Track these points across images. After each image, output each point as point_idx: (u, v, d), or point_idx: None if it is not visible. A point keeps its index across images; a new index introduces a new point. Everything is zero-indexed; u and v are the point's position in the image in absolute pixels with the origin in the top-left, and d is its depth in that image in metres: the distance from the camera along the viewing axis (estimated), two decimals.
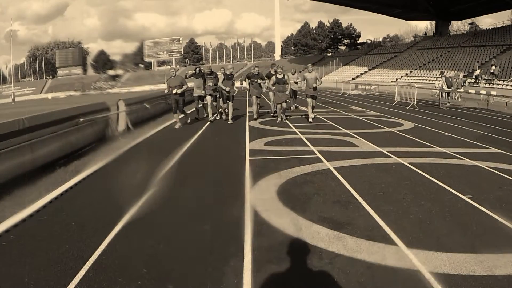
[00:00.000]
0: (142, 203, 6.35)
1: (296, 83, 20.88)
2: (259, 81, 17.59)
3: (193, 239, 5.06)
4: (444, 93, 29.35)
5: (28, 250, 4.73)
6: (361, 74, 68.29)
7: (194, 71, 17.84)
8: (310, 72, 16.62)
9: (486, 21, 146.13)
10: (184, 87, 16.02)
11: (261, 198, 6.67)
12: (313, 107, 17.24)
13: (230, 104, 17.29)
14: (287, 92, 18.45)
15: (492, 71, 39.34)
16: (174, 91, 15.62)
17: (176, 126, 16.02)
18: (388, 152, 10.40)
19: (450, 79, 30.34)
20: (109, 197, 6.88)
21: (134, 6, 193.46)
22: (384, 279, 4.08)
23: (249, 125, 15.98)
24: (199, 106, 18.79)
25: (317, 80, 16.53)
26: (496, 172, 8.48)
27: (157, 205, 6.28)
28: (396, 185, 7.46)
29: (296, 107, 23.01)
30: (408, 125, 16.02)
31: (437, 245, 4.83)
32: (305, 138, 12.76)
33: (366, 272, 4.19)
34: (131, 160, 10.08)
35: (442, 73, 35.05)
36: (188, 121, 17.26)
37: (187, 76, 17.67)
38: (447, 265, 4.32)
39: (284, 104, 16.92)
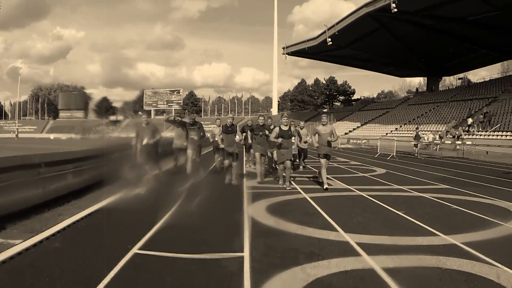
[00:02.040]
0: None
1: (305, 142, 17.86)
2: (266, 133, 14.07)
3: None
4: (415, 144, 31.99)
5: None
6: (354, 129, 70.16)
7: (173, 118, 15.59)
8: (324, 125, 13.11)
9: (481, 74, 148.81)
10: (157, 137, 12.85)
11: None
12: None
13: (234, 164, 13.81)
14: (294, 148, 15.45)
15: (469, 123, 43.10)
16: (144, 141, 12.28)
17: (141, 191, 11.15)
18: (354, 188, 12.71)
19: (419, 134, 33.50)
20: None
21: (136, 55, 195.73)
22: (327, 247, 6.39)
23: (248, 191, 11.98)
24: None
25: (333, 135, 13.01)
26: (435, 199, 10.94)
27: None
28: (352, 206, 9.85)
29: (304, 167, 19.16)
30: (380, 171, 18.37)
31: (364, 231, 7.31)
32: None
33: (318, 243, 6.54)
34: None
35: (417, 128, 38.04)
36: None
37: (167, 120, 16.30)
38: (367, 240, 6.72)
39: (288, 163, 12.98)
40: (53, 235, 6.78)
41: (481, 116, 44.14)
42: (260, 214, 8.74)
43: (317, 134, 13.25)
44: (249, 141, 16.12)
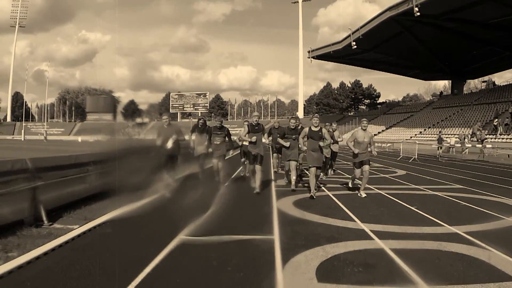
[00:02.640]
0: None
1: (337, 142, 16.83)
2: (296, 138, 12.85)
3: None
4: (439, 147, 32.83)
5: None
6: (379, 132, 70.50)
7: (197, 123, 14.17)
8: (364, 131, 12.01)
9: (507, 76, 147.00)
10: (181, 137, 12.34)
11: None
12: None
13: (258, 167, 12.39)
14: (326, 152, 14.45)
15: (495, 124, 44.28)
16: (168, 143, 11.67)
17: (166, 193, 11.25)
18: (374, 187, 13.48)
19: (441, 138, 34.70)
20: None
21: (160, 58, 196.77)
22: (345, 233, 7.36)
23: (278, 209, 9.68)
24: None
25: (370, 144, 12.13)
26: (447, 197, 11.82)
27: None
28: (370, 202, 10.78)
29: (334, 171, 18.28)
30: (400, 172, 19.29)
31: (378, 222, 8.31)
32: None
33: (337, 230, 7.54)
34: None
35: (440, 131, 38.66)
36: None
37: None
38: (380, 228, 7.70)
39: (316, 170, 11.94)
40: (103, 223, 7.85)
41: (507, 118, 44.58)
42: (287, 207, 9.79)
43: (356, 141, 11.96)
44: (285, 144, 13.52)
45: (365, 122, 12.27)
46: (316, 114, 13.82)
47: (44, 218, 7.61)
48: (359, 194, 11.80)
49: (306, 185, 13.36)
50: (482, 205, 10.53)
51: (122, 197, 9.61)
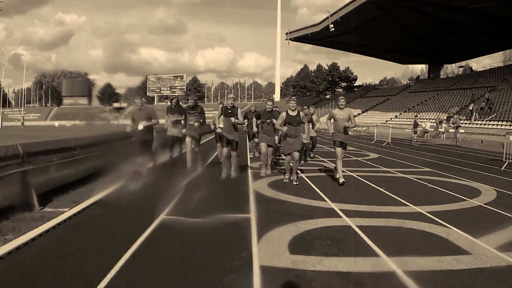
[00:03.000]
0: None
1: (313, 126, 16.45)
2: (272, 122, 12.39)
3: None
4: (414, 132, 33.56)
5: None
6: (354, 116, 70.69)
7: (170, 104, 13.81)
8: (341, 109, 11.59)
9: (485, 61, 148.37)
10: (154, 121, 12.02)
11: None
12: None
13: (233, 153, 12.17)
14: (304, 138, 14.01)
15: (470, 108, 45.12)
16: (140, 126, 11.51)
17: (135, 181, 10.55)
18: (346, 170, 13.74)
19: (417, 122, 35.51)
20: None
21: (138, 40, 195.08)
22: (316, 211, 7.91)
23: (254, 190, 10.21)
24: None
25: (350, 121, 11.58)
26: (415, 180, 12.46)
27: None
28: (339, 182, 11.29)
29: (312, 158, 17.68)
30: (373, 156, 19.86)
31: (347, 201, 8.86)
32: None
33: (309, 209, 8.08)
34: None
35: (416, 116, 39.60)
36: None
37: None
38: (348, 207, 8.25)
39: (296, 155, 11.29)
40: (92, 204, 8.29)
41: (483, 103, 45.54)
42: (263, 189, 10.30)
43: (332, 119, 11.67)
44: (254, 128, 14.58)
45: (342, 100, 11.77)
46: (294, 97, 12.79)
47: (36, 202, 7.94)
48: (340, 181, 11.18)
49: (282, 171, 12.80)
50: (448, 187, 11.15)
51: (106, 180, 10.09)
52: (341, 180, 11.13)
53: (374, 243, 5.99)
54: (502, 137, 18.62)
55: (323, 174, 13.35)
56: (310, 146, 16.96)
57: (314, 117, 16.63)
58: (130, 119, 12.02)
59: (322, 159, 17.67)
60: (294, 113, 11.26)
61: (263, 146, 12.73)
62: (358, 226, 6.89)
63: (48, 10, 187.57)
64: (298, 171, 12.40)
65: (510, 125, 38.15)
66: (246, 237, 6.28)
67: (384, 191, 10.23)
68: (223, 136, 12.02)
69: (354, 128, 12.68)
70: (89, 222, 7.12)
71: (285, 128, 11.04)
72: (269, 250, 5.67)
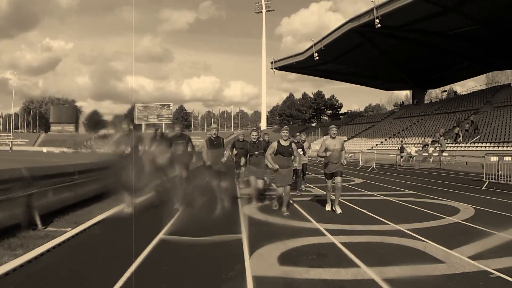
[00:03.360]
0: None
1: (304, 153, 15.29)
2: (260, 154, 11.84)
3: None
4: (400, 156, 34.43)
5: None
6: (321, 144, 70.96)
7: (154, 134, 12.75)
8: (333, 138, 11.16)
9: (470, 84, 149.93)
10: (140, 147, 11.35)
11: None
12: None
13: (224, 185, 11.63)
14: (296, 165, 13.39)
15: (456, 132, 46.33)
16: (126, 150, 10.71)
17: (126, 210, 10.50)
18: (331, 194, 14.33)
19: (403, 147, 36.90)
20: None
21: (124, 68, 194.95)
22: (302, 231, 8.42)
23: (244, 215, 10.40)
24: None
25: (343, 151, 11.24)
26: (397, 201, 13.07)
27: None
28: (326, 206, 11.71)
29: (303, 190, 15.96)
30: (358, 181, 20.38)
31: (332, 222, 9.48)
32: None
33: (296, 229, 8.60)
34: None
35: (401, 141, 40.49)
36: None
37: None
38: (333, 227, 8.80)
39: (288, 188, 10.86)
40: (92, 225, 8.81)
41: (467, 124, 46.85)
42: (252, 212, 10.76)
43: (326, 150, 11.01)
44: (241, 162, 13.20)
45: (334, 129, 11.31)
46: (286, 127, 12.29)
47: (38, 222, 8.46)
48: (333, 208, 10.98)
49: (273, 196, 12.24)
50: (428, 207, 11.75)
51: (103, 203, 10.61)
52: (338, 210, 10.76)
53: (356, 256, 6.53)
54: (482, 158, 19.23)
55: (308, 198, 13.80)
56: (301, 174, 15.67)
57: (306, 144, 15.96)
58: (116, 145, 11.06)
59: (312, 186, 17.35)
60: (286, 143, 10.82)
61: (252, 179, 11.90)
62: (341, 243, 7.44)
63: (35, 35, 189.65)
64: (290, 201, 11.96)
65: (494, 146, 39.22)
66: (239, 253, 6.81)
67: (367, 212, 10.78)
68: (211, 168, 11.34)
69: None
70: (92, 241, 7.61)
71: (275, 166, 10.54)
72: (260, 263, 6.21)
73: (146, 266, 6.04)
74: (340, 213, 10.63)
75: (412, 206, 12.15)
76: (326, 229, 8.64)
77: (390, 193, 15.43)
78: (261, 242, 7.42)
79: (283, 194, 10.94)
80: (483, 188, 16.80)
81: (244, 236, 8.01)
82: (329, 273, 5.80)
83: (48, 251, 6.73)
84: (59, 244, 7.16)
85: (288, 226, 9.06)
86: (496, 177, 17.71)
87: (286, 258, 6.51)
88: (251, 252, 6.82)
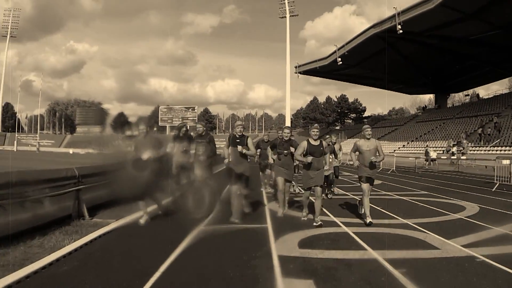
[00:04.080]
0: None
1: (336, 156, 14.40)
2: (290, 151, 10.77)
3: None
4: (426, 159, 35.96)
5: None
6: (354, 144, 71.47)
7: (177, 132, 11.92)
8: (368, 139, 10.24)
9: (494, 88, 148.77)
10: (161, 152, 10.02)
11: None
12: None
13: (244, 192, 10.58)
14: (326, 170, 12.13)
15: (479, 133, 47.04)
16: (145, 156, 9.48)
17: (142, 221, 9.46)
18: (351, 194, 15.70)
19: (428, 151, 37.86)
20: None
21: (149, 71, 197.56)
22: (323, 223, 9.51)
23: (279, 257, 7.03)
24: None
25: (378, 153, 10.37)
26: (410, 200, 14.12)
27: None
28: (345, 204, 12.95)
29: (334, 194, 15.12)
30: (377, 182, 20.59)
31: (348, 217, 10.71)
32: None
33: (314, 221, 9.73)
34: None
35: (427, 145, 41.28)
36: (160, 212, 10.54)
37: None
38: (348, 220, 10.01)
39: (319, 191, 9.87)
40: (136, 218, 9.80)
41: (489, 129, 47.58)
42: (276, 207, 11.60)
43: (357, 152, 10.45)
44: (270, 160, 12.34)
45: (369, 130, 10.37)
46: (316, 125, 11.04)
47: (86, 213, 9.69)
48: (367, 221, 9.73)
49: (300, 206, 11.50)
50: (436, 205, 12.83)
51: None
52: (368, 220, 9.72)
53: (364, 243, 7.72)
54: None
55: (329, 197, 14.57)
56: (333, 178, 14.50)
57: (337, 146, 14.93)
58: (133, 148, 10.00)
59: (345, 192, 16.39)
60: (316, 143, 9.85)
61: (280, 181, 10.89)
62: (353, 232, 8.64)
63: (60, 38, 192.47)
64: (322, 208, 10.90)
65: None
66: (265, 239, 8.03)
67: (380, 209, 11.83)
68: (231, 170, 10.06)
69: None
70: (135, 230, 8.76)
71: (309, 158, 9.57)
72: (283, 246, 7.44)
73: (189, 249, 7.27)
74: (371, 222, 9.60)
75: (422, 204, 13.18)
76: (342, 222, 9.86)
77: (405, 193, 16.43)
78: (284, 231, 8.65)
79: (313, 197, 10.17)
80: (493, 190, 17.64)
81: (269, 226, 9.31)
82: (340, 254, 6.98)
83: (99, 236, 7.97)
84: (108, 232, 8.40)
85: (310, 219, 10.04)
86: (508, 179, 18.48)
87: (305, 243, 7.74)
88: (275, 238, 8.05)
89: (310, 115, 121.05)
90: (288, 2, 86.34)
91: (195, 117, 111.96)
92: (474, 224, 9.93)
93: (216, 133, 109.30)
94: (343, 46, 63.84)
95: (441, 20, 46.05)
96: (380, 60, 64.50)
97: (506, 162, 19.31)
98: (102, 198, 11.18)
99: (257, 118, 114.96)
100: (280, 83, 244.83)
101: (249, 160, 10.46)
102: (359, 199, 11.23)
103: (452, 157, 38.68)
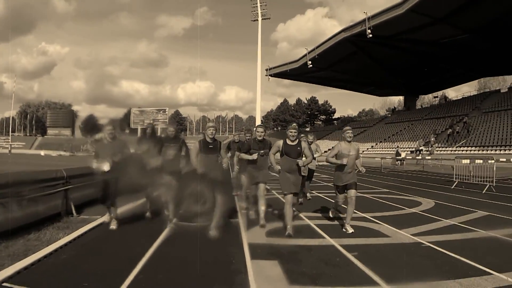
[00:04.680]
0: None
1: (314, 157, 12.39)
2: (265, 153, 9.87)
3: None
4: (396, 160, 37.45)
5: None
6: (333, 147, 72.16)
7: (143, 133, 10.88)
8: (349, 142, 9.49)
9: (464, 89, 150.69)
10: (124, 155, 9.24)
11: None
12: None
13: (220, 200, 8.71)
14: (303, 173, 11.26)
15: (448, 134, 49.21)
16: (104, 167, 8.73)
17: (113, 226, 9.09)
18: (315, 192, 16.43)
19: (399, 151, 39.38)
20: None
21: (120, 73, 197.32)
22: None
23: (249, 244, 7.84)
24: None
25: (359, 159, 9.99)
26: (371, 197, 15.13)
27: None
28: (311, 203, 13.73)
29: (307, 198, 14.23)
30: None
31: (315, 213, 11.65)
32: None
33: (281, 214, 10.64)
34: None
35: (397, 146, 42.77)
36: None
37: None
38: (310, 215, 10.95)
39: (292, 197, 9.06)
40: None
41: (457, 127, 49.71)
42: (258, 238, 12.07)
43: (338, 155, 9.46)
44: (235, 167, 12.02)
45: (349, 132, 9.52)
46: (294, 125, 9.50)
47: (74, 211, 10.41)
48: (344, 229, 9.13)
49: (275, 212, 11.34)
50: (395, 201, 13.93)
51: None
52: (350, 230, 9.00)
53: (323, 232, 8.81)
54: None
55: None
56: (306, 181, 13.64)
57: (313, 147, 13.81)
58: (94, 154, 9.27)
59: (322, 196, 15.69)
60: (293, 143, 9.02)
61: (261, 186, 9.79)
62: (315, 224, 9.68)
63: (31, 40, 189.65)
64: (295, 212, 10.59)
65: (479, 150, 41.39)
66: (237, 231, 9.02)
67: (342, 205, 12.59)
68: (204, 176, 8.75)
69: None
70: (122, 222, 9.44)
71: (277, 168, 8.90)
72: (252, 235, 8.41)
73: (168, 239, 8.23)
74: (353, 232, 8.94)
75: (382, 200, 14.23)
76: (305, 216, 10.78)
77: (367, 191, 17.39)
78: (254, 226, 9.53)
79: (289, 204, 9.01)
80: (452, 187, 18.87)
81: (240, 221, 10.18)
82: (302, 241, 8.00)
83: (89, 230, 8.75)
84: (97, 226, 9.22)
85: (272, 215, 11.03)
86: (468, 177, 19.77)
87: (272, 233, 8.73)
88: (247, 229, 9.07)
89: (280, 117, 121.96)
90: (260, 6, 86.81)
91: (166, 119, 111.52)
92: (426, 217, 10.99)
93: (187, 135, 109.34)
94: (313, 50, 64.85)
95: (411, 24, 47.16)
96: (351, 63, 66.05)
97: (465, 161, 20.56)
98: (87, 197, 11.74)
99: (227, 120, 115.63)
100: (251, 85, 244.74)
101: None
102: (334, 209, 10.44)
103: (417, 157, 39.94)
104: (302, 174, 9.85)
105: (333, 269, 6.42)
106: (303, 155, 9.09)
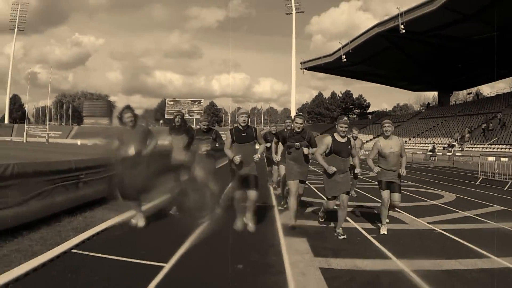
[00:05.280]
0: None
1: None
2: (303, 146, 8.73)
3: None
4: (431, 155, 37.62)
5: None
6: (367, 141, 70.78)
7: (173, 123, 9.93)
8: (389, 138, 8.71)
9: (499, 86, 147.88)
10: (152, 144, 8.66)
11: None
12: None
13: (253, 195, 8.27)
14: (359, 171, 8.87)
15: (483, 128, 49.23)
16: (129, 151, 8.25)
17: (135, 222, 8.67)
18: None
19: (434, 147, 39.68)
20: None
21: (154, 63, 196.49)
22: (314, 204, 11.42)
23: (282, 225, 8.96)
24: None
25: (402, 154, 8.84)
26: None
27: None
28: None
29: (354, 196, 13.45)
30: (372, 174, 22.02)
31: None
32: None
33: (311, 203, 11.63)
34: None
35: (433, 142, 43.71)
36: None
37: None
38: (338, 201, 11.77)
39: (345, 199, 8.25)
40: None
41: (491, 124, 49.61)
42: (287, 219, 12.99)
43: (380, 154, 8.79)
44: (275, 158, 10.40)
45: (387, 125, 8.70)
46: (346, 119, 8.37)
47: (119, 195, 10.51)
48: (381, 232, 8.41)
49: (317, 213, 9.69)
50: (419, 194, 14.80)
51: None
52: (383, 231, 8.42)
53: (349, 218, 9.75)
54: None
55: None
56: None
57: (358, 143, 13.15)
58: (117, 141, 8.71)
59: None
60: (344, 140, 8.12)
61: (291, 183, 8.75)
62: (337, 207, 10.40)
63: (65, 31, 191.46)
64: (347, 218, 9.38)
65: (509, 148, 41.20)
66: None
67: (370, 196, 13.65)
68: (235, 170, 8.34)
69: (366, 153, 10.66)
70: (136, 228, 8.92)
71: (332, 169, 7.86)
72: (285, 216, 9.44)
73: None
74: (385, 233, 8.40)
75: (406, 193, 14.57)
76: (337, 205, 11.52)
77: None
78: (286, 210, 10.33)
79: (335, 207, 8.49)
80: (477, 183, 19.47)
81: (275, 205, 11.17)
82: (328, 223, 9.10)
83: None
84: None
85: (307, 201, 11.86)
86: (493, 175, 20.35)
87: (303, 216, 9.82)
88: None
89: (315, 110, 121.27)
90: None
91: (201, 110, 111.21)
92: (445, 208, 11.86)
93: (222, 126, 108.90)
94: (347, 44, 65.07)
95: (443, 20, 47.26)
96: (384, 58, 66.07)
97: (491, 159, 21.22)
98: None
99: (262, 112, 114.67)
100: (286, 77, 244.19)
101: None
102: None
103: (448, 153, 40.30)
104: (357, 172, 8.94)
105: (353, 246, 7.47)
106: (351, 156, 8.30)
